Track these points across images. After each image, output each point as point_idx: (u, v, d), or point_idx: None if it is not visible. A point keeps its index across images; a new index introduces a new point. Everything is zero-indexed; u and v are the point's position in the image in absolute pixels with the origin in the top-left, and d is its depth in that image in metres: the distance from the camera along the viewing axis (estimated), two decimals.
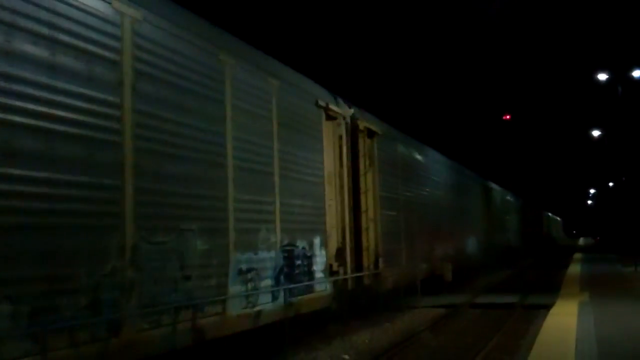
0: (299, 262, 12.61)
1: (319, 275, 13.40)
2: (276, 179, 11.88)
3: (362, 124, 16.17)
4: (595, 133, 51.79)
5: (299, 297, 12.43)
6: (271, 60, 12.44)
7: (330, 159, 14.46)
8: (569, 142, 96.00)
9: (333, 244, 14.25)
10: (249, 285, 10.80)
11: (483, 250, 33.59)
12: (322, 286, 13.53)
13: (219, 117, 10.24)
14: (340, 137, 14.94)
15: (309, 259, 13.02)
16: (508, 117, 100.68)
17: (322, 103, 13.97)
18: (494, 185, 43.10)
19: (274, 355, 11.53)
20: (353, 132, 15.95)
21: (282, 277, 11.90)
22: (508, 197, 49.70)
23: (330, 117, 14.56)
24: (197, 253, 9.39)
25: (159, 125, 8.70)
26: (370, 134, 16.90)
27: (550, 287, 22.66)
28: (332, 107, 14.51)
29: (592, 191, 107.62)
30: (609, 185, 72.15)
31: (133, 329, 7.98)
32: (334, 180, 14.58)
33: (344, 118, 15.11)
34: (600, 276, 26.05)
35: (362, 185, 16.00)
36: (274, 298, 11.58)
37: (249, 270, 10.81)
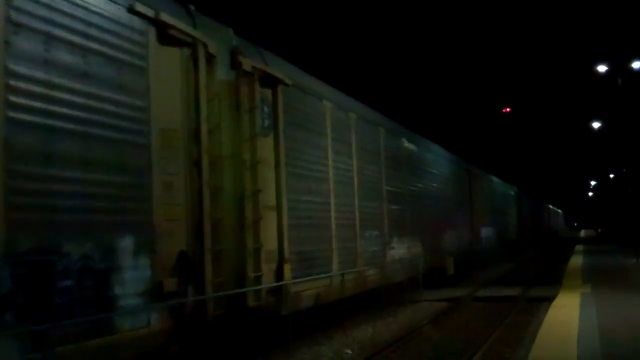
0: (67, 282, 6.40)
1: (130, 301, 7.22)
2: None
3: (248, 64, 9.96)
4: (596, 125, 48.80)
5: (73, 346, 6.32)
6: None
7: (171, 108, 8.25)
8: (570, 134, 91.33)
9: (170, 247, 7.99)
10: None
11: (486, 243, 29.67)
12: (140, 320, 7.38)
13: None
14: (198, 76, 8.77)
15: (100, 276, 6.81)
16: (508, 109, 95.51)
17: (145, 10, 7.77)
18: (494, 178, 36.95)
19: (277, 351, 10.40)
20: (236, 75, 9.80)
21: (7, 315, 5.80)
22: (510, 191, 43.56)
23: (173, 39, 8.34)
24: None
25: None
26: (269, 81, 10.68)
27: (552, 280, 21.36)
28: (174, 22, 8.29)
29: (593, 183, 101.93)
30: (609, 177, 71.19)
31: None
32: (180, 142, 8.38)
33: (206, 47, 8.89)
34: (602, 268, 24.68)
35: (246, 155, 9.78)
36: None
37: None
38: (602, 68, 35.45)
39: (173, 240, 8.05)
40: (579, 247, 44.62)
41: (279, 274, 10.46)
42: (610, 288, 16.81)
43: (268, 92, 10.63)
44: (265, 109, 10.51)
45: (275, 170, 10.59)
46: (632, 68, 33.10)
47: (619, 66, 35.10)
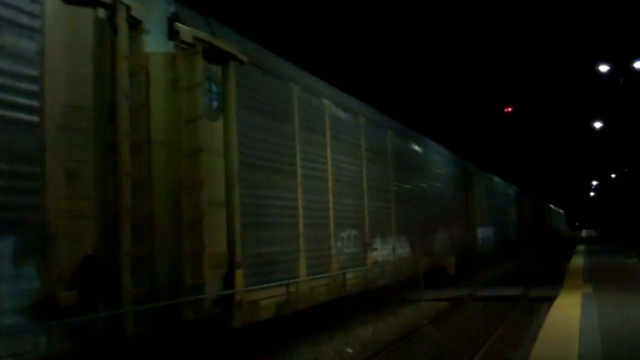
0: None
1: (5, 320, 5.62)
2: None
3: (188, 34, 8.30)
4: (597, 124, 47.88)
5: None
6: None
7: (77, 81, 6.61)
8: (571, 134, 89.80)
9: (72, 251, 6.33)
10: None
11: (483, 244, 28.46)
12: (20, 344, 5.74)
13: None
14: (116, 44, 7.13)
15: None
16: (510, 109, 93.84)
17: None
18: (492, 176, 35.27)
19: (278, 350, 10.19)
20: (174, 46, 8.16)
21: None
22: (509, 190, 41.83)
23: None
24: None
25: None
26: (219, 56, 9.01)
27: (554, 280, 20.89)
28: None
29: (594, 183, 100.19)
30: (611, 177, 70.61)
31: None
32: (90, 123, 6.73)
33: (129, 10, 7.26)
34: (603, 268, 24.09)
35: (185, 140, 8.12)
36: None
37: None
38: (604, 68, 34.92)
39: (77, 242, 6.39)
40: (580, 247, 44.05)
41: (228, 281, 8.78)
42: (612, 288, 16.39)
43: (217, 69, 8.96)
44: (214, 89, 8.86)
45: (225, 159, 8.92)
46: (634, 68, 32.28)
47: (621, 66, 34.58)
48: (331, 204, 12.23)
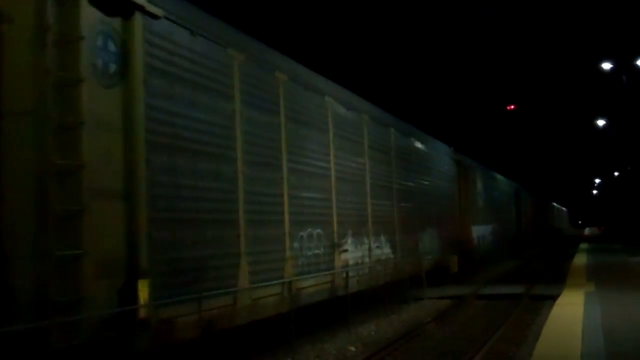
0: None
1: None
2: None
3: None
4: (600, 122, 47.28)
5: None
6: None
7: None
8: (574, 132, 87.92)
9: None
10: None
11: (478, 243, 26.54)
12: None
13: None
14: None
15: None
16: (513, 107, 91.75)
17: None
18: (490, 172, 33.10)
19: (280, 348, 9.83)
20: None
21: None
22: (508, 187, 39.73)
23: None
24: None
25: None
26: (118, 6, 6.93)
27: (557, 278, 20.52)
28: None
29: (597, 181, 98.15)
30: (614, 175, 69.60)
31: None
32: None
33: None
34: (606, 266, 23.57)
35: (57, 111, 6.06)
36: None
37: None
38: (607, 66, 34.62)
39: None
40: (583, 245, 42.82)
41: (128, 295, 6.71)
42: (615, 286, 16.08)
43: (117, 23, 6.90)
44: (112, 47, 6.79)
45: (124, 138, 6.84)
46: (637, 66, 32.19)
47: (624, 64, 34.48)
48: (286, 197, 10.09)
